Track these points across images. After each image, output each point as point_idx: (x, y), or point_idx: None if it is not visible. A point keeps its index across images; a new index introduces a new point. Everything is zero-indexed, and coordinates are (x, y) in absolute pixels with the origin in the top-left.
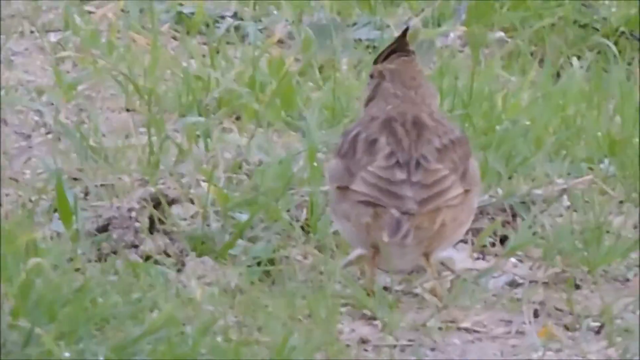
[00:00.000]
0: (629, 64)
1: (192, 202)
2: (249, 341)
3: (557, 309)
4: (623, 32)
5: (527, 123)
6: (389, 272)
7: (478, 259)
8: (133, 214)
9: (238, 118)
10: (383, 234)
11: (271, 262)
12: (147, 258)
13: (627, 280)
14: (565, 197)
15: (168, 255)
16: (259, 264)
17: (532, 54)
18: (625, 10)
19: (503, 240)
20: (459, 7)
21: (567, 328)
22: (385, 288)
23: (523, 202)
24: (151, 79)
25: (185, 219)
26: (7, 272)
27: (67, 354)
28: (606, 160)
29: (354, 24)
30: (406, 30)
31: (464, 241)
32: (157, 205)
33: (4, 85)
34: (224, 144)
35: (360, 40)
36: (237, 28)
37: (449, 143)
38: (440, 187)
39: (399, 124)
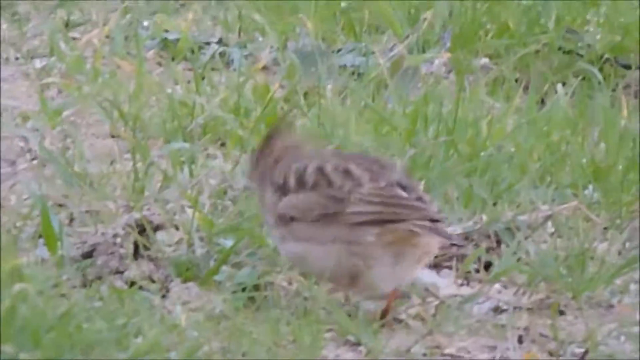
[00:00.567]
0: (614, 90)
1: (176, 228)
2: None
3: (541, 335)
4: (607, 59)
5: (512, 149)
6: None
7: (462, 285)
8: (118, 240)
9: (223, 144)
10: (428, 241)
11: (256, 288)
12: (132, 284)
13: (612, 306)
14: (549, 223)
15: (153, 281)
16: (243, 290)
17: (516, 81)
18: (609, 37)
19: (487, 266)
20: (444, 33)
21: (551, 354)
22: (369, 313)
23: (507, 228)
24: (136, 105)
25: (170, 245)
26: None
27: None
28: (590, 187)
29: (339, 50)
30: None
31: (449, 267)
32: (142, 231)
33: None
34: (208, 170)
35: (345, 66)
36: (222, 54)
37: (402, 169)
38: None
39: (347, 156)
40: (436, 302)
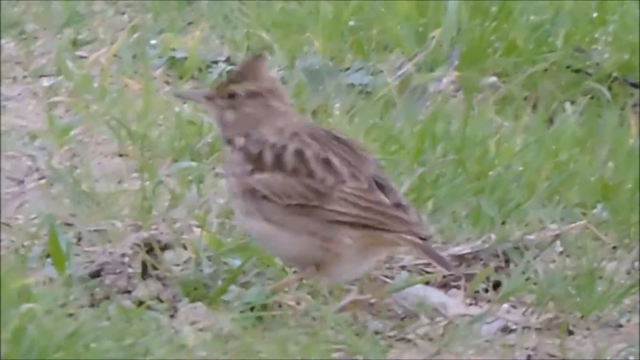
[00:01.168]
0: (622, 109)
1: (184, 247)
2: None
3: (550, 355)
4: (616, 78)
5: (520, 168)
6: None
7: (471, 304)
8: (126, 259)
9: None
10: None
11: (264, 307)
12: (140, 303)
13: (620, 326)
14: (558, 242)
15: (161, 301)
16: (251, 309)
17: (525, 99)
18: (618, 56)
19: (496, 285)
20: (452, 52)
21: None
22: (377, 333)
23: (516, 248)
24: (144, 123)
25: (178, 265)
26: None
27: None
28: (599, 206)
29: (347, 68)
30: (259, 55)
31: (457, 287)
32: (149, 250)
33: None
34: (216, 189)
35: (353, 85)
36: (229, 73)
37: (372, 157)
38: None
39: (323, 137)
40: (445, 322)
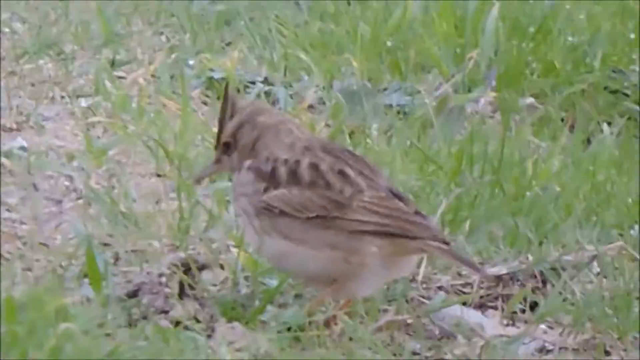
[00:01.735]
0: None
1: (222, 267)
2: None
3: None
4: None
5: (557, 189)
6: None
7: (508, 325)
8: (163, 279)
9: None
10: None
11: (301, 328)
12: (177, 323)
13: None
14: (595, 263)
15: (198, 321)
16: (288, 329)
17: (562, 120)
18: None
19: (533, 306)
20: (490, 73)
21: None
22: (414, 353)
23: (553, 269)
24: (181, 144)
25: (215, 285)
26: (36, 337)
27: None
28: (636, 227)
29: (385, 89)
30: (225, 92)
31: (494, 307)
32: (187, 270)
33: (34, 150)
34: None
35: (390, 106)
36: (267, 93)
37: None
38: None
39: (335, 151)
40: (482, 342)
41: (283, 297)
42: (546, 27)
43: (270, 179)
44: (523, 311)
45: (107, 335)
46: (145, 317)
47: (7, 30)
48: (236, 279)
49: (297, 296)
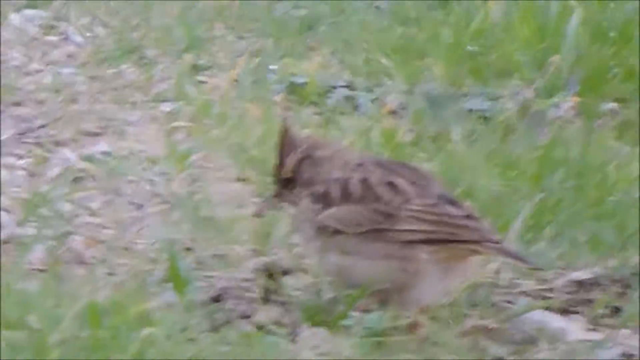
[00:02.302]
0: None
1: (305, 272)
2: None
3: None
4: None
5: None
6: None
7: (591, 330)
8: (246, 284)
9: None
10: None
11: (384, 333)
12: (260, 328)
13: None
14: None
15: (281, 326)
16: (372, 334)
17: None
18: None
19: (616, 311)
20: (571, 77)
21: None
22: (497, 358)
23: (635, 274)
24: (263, 148)
25: (298, 289)
26: (119, 342)
27: None
28: None
29: (466, 94)
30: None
31: (577, 312)
32: (270, 275)
33: (117, 155)
34: None
35: (472, 111)
36: (349, 98)
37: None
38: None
39: (387, 164)
40: (564, 347)
41: (366, 301)
42: (628, 32)
43: (325, 200)
44: (606, 316)
45: (190, 340)
46: (228, 322)
47: (89, 34)
48: (319, 283)
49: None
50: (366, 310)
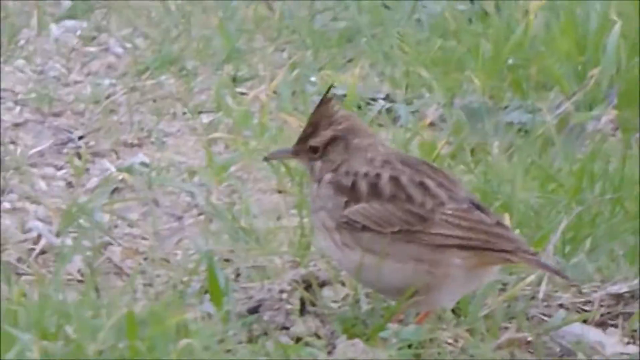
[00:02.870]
0: None
1: (343, 284)
2: None
3: None
4: None
5: None
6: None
7: (629, 343)
8: (284, 295)
9: None
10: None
11: (421, 345)
12: (298, 340)
13: None
14: None
15: (319, 337)
16: (409, 346)
17: None
18: None
19: None
20: (611, 91)
21: None
22: None
23: None
24: None
25: (336, 301)
26: (157, 353)
27: None
28: None
29: (506, 107)
30: (326, 94)
31: (615, 325)
32: (308, 287)
33: (156, 166)
34: None
35: (511, 123)
36: (389, 110)
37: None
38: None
39: (414, 163)
40: None
41: (404, 314)
42: None
43: (351, 193)
44: None
45: (228, 351)
46: (265, 333)
47: (129, 46)
48: (357, 295)
49: (419, 314)
50: (402, 322)
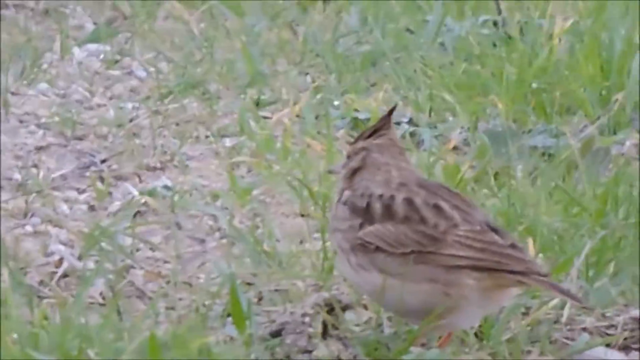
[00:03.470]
0: None
1: (365, 307)
2: None
3: None
4: None
5: None
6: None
7: None
8: (306, 319)
9: None
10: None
11: None
12: None
13: None
14: None
15: None
16: None
17: None
18: None
19: None
20: (635, 114)
21: None
22: None
23: None
24: (326, 184)
25: (358, 325)
26: None
27: None
28: None
29: (529, 131)
30: (391, 110)
31: (638, 349)
32: (330, 310)
33: (178, 189)
34: None
35: (535, 147)
36: (412, 134)
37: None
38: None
39: (432, 187)
40: None
41: (425, 337)
42: None
43: (365, 215)
44: None
45: None
46: (288, 357)
47: (152, 69)
48: (380, 319)
49: (441, 337)
50: (425, 346)
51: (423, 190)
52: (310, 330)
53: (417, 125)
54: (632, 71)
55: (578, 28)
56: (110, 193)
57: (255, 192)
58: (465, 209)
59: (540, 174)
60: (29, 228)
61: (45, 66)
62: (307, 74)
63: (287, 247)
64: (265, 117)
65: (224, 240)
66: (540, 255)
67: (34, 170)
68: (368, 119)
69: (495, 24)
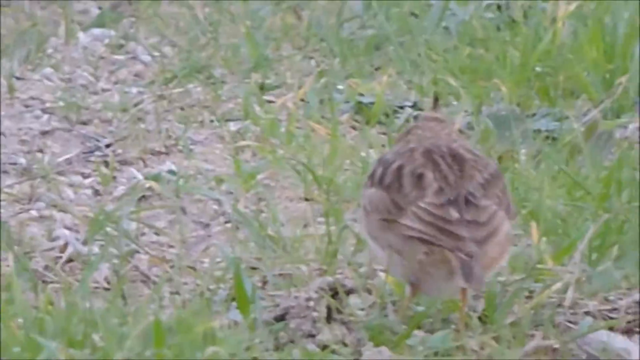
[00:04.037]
0: None
1: (369, 292)
2: None
3: None
4: None
5: None
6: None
7: None
8: (311, 303)
9: None
10: (457, 279)
11: (448, 352)
12: (324, 347)
13: None
14: None
15: (345, 345)
16: (436, 354)
17: None
18: None
19: None
20: (638, 98)
21: None
22: None
23: None
24: (330, 168)
25: (362, 309)
26: None
27: None
28: None
29: (533, 114)
30: (436, 97)
31: None
32: (334, 294)
33: (183, 174)
34: None
35: (539, 131)
36: (416, 118)
37: (489, 177)
38: (493, 225)
39: (439, 156)
40: None
41: (430, 321)
42: None
43: (371, 178)
44: None
45: (254, 358)
46: (292, 341)
47: (156, 54)
48: (384, 303)
49: (445, 320)
50: (431, 330)
51: (423, 158)
52: (315, 314)
53: (420, 109)
54: (636, 55)
55: (581, 12)
56: (115, 178)
57: (259, 177)
58: (454, 180)
59: (544, 158)
60: (33, 213)
61: (50, 51)
62: (311, 58)
63: (292, 232)
64: (269, 102)
65: (229, 225)
66: (544, 238)
67: (38, 154)
68: (372, 103)
69: (499, 7)
